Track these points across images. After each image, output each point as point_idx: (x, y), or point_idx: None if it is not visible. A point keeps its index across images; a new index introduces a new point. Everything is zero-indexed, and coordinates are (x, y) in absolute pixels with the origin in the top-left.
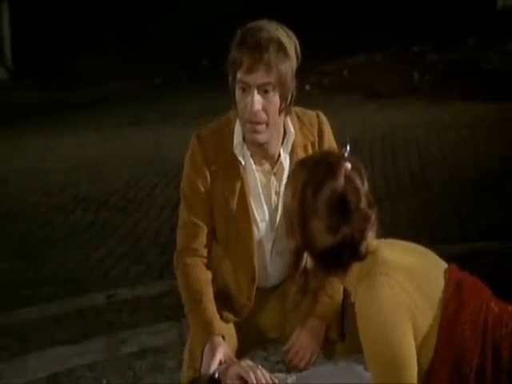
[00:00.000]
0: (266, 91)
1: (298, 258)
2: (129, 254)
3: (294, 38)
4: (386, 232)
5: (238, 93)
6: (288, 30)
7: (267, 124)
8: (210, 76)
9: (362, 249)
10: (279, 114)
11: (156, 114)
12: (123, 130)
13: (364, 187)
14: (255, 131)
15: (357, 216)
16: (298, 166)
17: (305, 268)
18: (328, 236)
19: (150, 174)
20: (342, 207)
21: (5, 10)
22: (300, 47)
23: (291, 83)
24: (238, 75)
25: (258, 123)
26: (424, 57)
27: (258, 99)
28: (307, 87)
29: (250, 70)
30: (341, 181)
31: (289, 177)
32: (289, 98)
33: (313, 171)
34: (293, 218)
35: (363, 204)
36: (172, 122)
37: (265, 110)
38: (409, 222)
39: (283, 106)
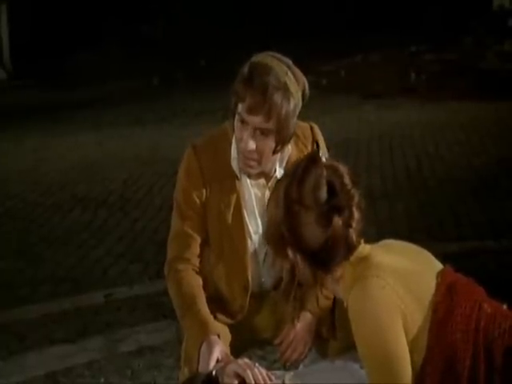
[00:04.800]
0: (262, 133)
1: (291, 275)
2: (127, 253)
3: (302, 80)
4: (382, 230)
5: (236, 121)
6: (297, 72)
7: (259, 162)
8: (208, 76)
9: (353, 238)
10: (273, 154)
11: (154, 113)
12: (121, 130)
13: (346, 175)
14: (247, 165)
15: (343, 195)
16: (277, 181)
17: (298, 283)
18: (319, 230)
19: (148, 173)
20: (328, 191)
21: (3, 10)
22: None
23: (292, 126)
24: (239, 108)
25: (251, 159)
26: (420, 57)
27: (252, 139)
28: None
29: (250, 112)
30: (322, 168)
31: (269, 196)
32: (287, 140)
33: (292, 173)
34: (281, 225)
35: (348, 182)
36: (170, 121)
37: (258, 150)
38: (405, 220)
39: (279, 147)
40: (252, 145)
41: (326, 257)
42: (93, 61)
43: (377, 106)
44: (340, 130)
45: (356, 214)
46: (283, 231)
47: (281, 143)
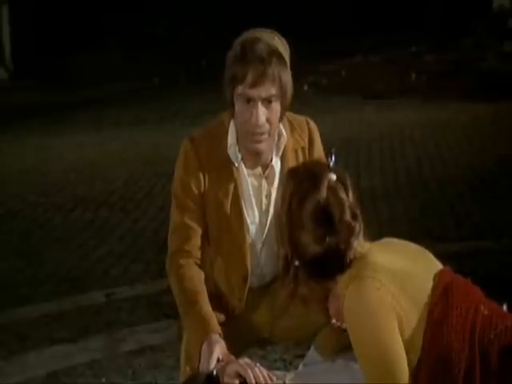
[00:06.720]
0: (269, 102)
1: (287, 264)
2: (127, 252)
3: (285, 42)
4: (383, 231)
5: (239, 104)
6: (280, 36)
7: (269, 133)
8: (209, 76)
9: (348, 258)
10: (279, 121)
11: (155, 113)
12: (122, 130)
13: (349, 198)
14: (258, 141)
15: (341, 227)
16: (286, 176)
17: (294, 274)
18: (315, 245)
19: (148, 173)
20: (326, 219)
21: (4, 10)
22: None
23: (290, 87)
24: (240, 89)
25: (262, 134)
26: (421, 57)
27: (262, 112)
28: (305, 87)
29: (254, 85)
30: (324, 193)
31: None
32: (288, 103)
33: (298, 183)
34: (282, 227)
35: (347, 216)
36: (171, 121)
37: (268, 120)
38: (406, 220)
39: (283, 113)
40: (263, 117)
41: (319, 269)
42: (93, 61)
43: (377, 105)
44: (340, 129)
45: (354, 242)
46: (283, 233)
47: (284, 108)
